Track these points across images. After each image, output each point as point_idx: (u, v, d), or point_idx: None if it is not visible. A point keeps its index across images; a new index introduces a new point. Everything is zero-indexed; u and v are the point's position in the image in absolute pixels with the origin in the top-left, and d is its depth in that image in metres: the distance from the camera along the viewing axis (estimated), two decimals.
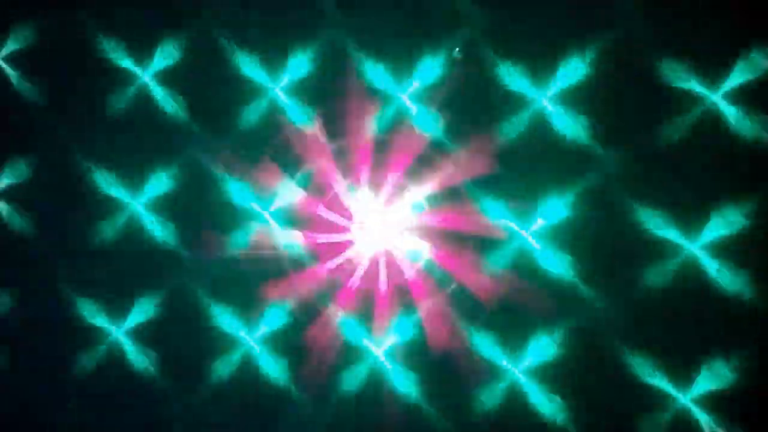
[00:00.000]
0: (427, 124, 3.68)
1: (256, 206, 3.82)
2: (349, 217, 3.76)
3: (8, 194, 4.03)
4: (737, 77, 3.35)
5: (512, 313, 3.57)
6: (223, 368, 3.82)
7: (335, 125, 3.75)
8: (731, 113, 3.36)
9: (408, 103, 3.70)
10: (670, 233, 3.42)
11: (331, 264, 3.75)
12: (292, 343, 3.77)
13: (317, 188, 3.78)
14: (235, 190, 3.83)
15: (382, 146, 3.71)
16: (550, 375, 3.52)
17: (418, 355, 3.65)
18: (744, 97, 3.35)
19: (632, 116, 3.49)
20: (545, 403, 3.52)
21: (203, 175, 3.86)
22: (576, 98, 3.53)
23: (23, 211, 4.03)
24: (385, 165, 3.71)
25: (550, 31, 3.56)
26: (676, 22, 3.43)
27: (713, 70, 3.38)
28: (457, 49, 3.67)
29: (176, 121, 3.90)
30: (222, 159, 3.75)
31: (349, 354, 3.71)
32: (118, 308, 3.93)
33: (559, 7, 3.56)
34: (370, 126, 3.70)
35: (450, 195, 3.66)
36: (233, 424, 3.82)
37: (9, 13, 3.93)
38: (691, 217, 3.40)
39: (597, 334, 3.50)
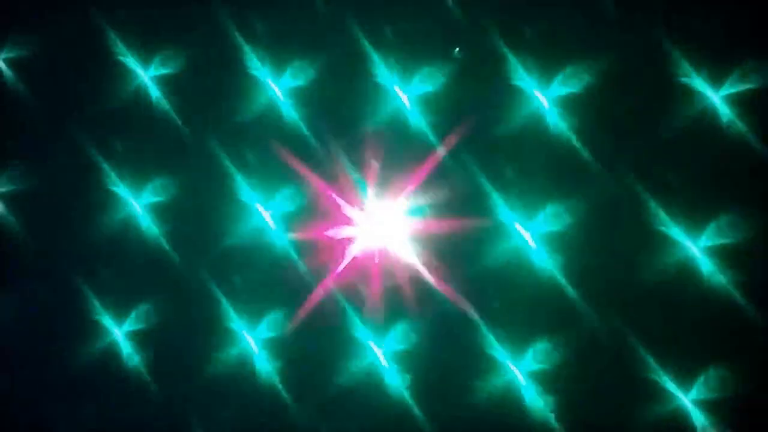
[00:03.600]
0: (428, 127, 3.70)
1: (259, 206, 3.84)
2: (351, 215, 3.77)
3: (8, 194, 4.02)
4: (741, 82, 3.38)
5: (510, 316, 3.61)
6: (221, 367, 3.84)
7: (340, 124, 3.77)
8: (731, 116, 3.38)
9: (409, 104, 3.71)
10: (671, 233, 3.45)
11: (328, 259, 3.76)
12: (291, 342, 3.79)
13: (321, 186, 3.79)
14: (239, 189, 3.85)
15: (385, 146, 3.74)
16: (549, 377, 3.56)
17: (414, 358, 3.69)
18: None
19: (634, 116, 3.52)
20: (540, 403, 3.55)
21: (207, 175, 3.87)
22: (578, 100, 3.56)
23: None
24: (390, 165, 3.74)
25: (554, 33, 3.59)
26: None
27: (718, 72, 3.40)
28: (457, 49, 3.67)
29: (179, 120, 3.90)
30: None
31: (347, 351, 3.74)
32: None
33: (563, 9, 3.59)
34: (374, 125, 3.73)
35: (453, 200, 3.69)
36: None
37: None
38: (692, 220, 3.44)
39: (596, 337, 3.53)
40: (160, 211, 3.89)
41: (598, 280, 3.53)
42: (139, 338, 3.88)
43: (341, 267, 3.74)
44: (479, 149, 3.64)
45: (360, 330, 3.72)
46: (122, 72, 3.91)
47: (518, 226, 3.60)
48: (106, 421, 3.88)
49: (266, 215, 3.82)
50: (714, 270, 3.38)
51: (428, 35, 3.69)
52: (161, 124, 3.88)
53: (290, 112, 3.81)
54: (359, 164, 3.74)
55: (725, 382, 3.35)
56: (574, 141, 3.55)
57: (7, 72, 4.01)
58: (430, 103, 3.69)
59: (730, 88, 3.37)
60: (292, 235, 3.79)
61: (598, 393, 3.50)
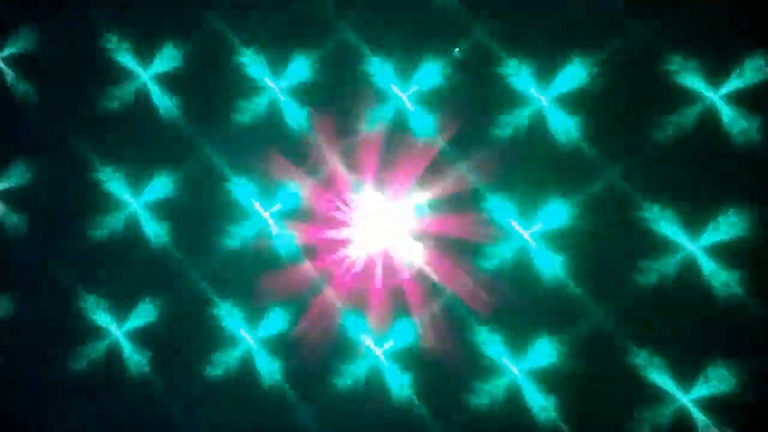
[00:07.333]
0: (429, 127, 3.70)
1: (257, 205, 3.83)
2: (350, 215, 3.77)
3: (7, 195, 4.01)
4: (739, 80, 3.38)
5: (512, 316, 3.60)
6: (221, 367, 3.83)
7: (338, 124, 3.76)
8: (731, 114, 3.38)
9: (408, 104, 3.71)
10: (670, 233, 3.44)
11: (329, 260, 3.75)
12: (290, 342, 3.78)
13: (320, 185, 3.78)
14: (238, 189, 3.84)
15: (386, 146, 3.73)
16: (550, 377, 3.54)
17: (415, 357, 3.67)
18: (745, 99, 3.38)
19: (633, 116, 3.51)
20: (542, 405, 3.54)
21: (205, 175, 3.87)
22: (577, 99, 3.56)
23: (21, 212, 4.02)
24: (389, 166, 3.73)
25: (553, 32, 3.58)
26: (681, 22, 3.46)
27: (716, 70, 3.41)
28: (457, 49, 3.68)
29: (178, 121, 3.90)
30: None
31: (346, 352, 3.72)
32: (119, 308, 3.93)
33: (562, 8, 3.59)
34: (373, 126, 3.72)
35: (453, 200, 3.68)
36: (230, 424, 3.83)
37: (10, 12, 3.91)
38: (692, 219, 3.43)
39: (597, 336, 3.52)
40: (159, 212, 3.89)
41: (598, 280, 3.54)
42: (139, 339, 3.88)
43: (342, 267, 3.76)
44: (478, 148, 3.66)
45: (360, 330, 3.73)
46: (121, 72, 3.92)
47: (516, 225, 3.62)
48: (106, 420, 3.89)
49: (266, 215, 3.83)
50: (714, 269, 3.39)
51: (427, 34, 3.70)
52: (160, 124, 3.89)
53: (289, 112, 3.83)
54: (359, 164, 3.76)
55: (726, 381, 3.35)
56: (574, 140, 3.57)
57: (8, 71, 4.03)
58: (428, 102, 3.71)
59: (728, 86, 3.40)
60: (292, 236, 3.80)
61: (599, 392, 3.51)
